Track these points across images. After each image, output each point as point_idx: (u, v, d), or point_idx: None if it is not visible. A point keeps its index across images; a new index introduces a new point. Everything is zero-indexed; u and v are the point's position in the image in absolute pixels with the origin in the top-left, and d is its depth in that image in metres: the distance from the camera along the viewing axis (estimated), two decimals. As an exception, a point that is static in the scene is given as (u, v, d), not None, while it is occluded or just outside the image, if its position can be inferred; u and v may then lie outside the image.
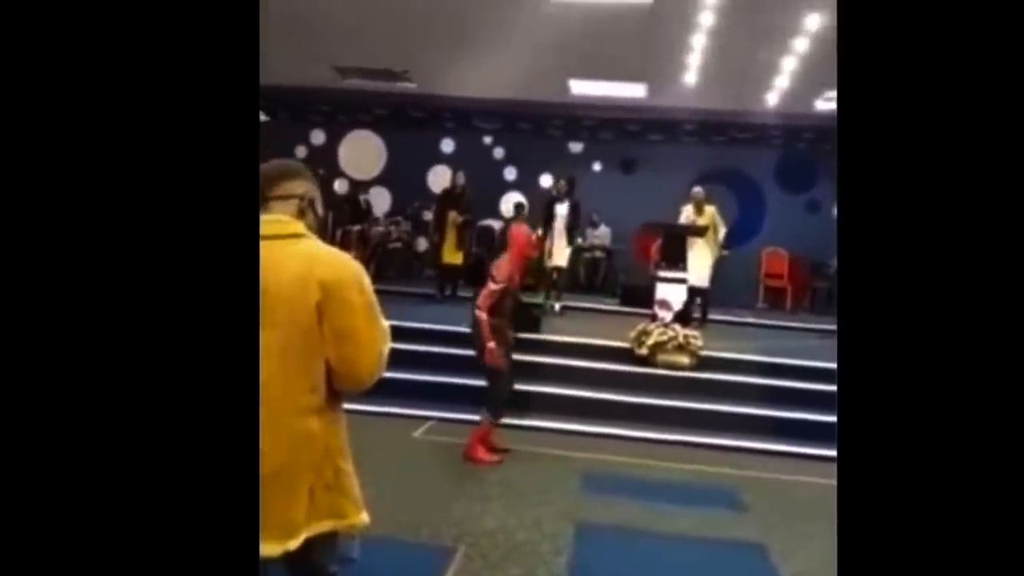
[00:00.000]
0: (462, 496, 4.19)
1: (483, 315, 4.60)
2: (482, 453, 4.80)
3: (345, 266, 1.86)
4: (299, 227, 1.88)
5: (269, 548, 1.77)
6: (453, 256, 9.19)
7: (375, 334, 1.88)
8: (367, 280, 1.89)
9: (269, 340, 1.76)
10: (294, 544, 1.80)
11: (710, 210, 8.41)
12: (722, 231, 8.45)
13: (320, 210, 1.99)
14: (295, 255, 1.83)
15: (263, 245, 1.79)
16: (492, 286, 4.61)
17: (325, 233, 2.03)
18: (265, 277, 1.77)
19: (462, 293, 8.99)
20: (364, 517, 1.95)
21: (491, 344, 4.61)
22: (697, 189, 8.55)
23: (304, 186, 1.94)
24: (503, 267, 4.67)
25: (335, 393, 1.90)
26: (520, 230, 4.96)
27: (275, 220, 1.87)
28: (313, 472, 1.84)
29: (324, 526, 1.87)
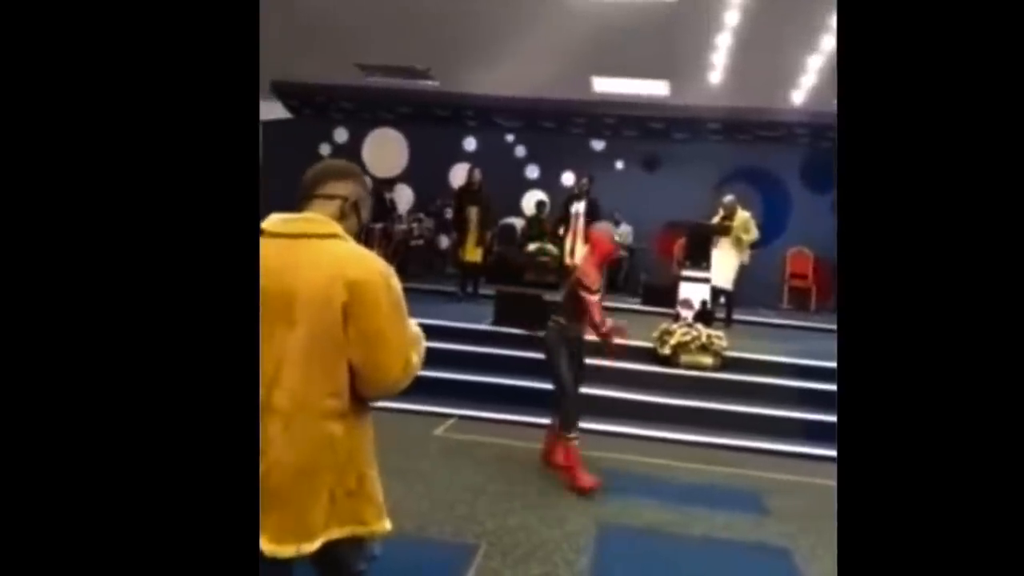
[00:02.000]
0: (484, 494, 4.18)
1: (606, 324, 4.39)
2: (586, 479, 4.35)
3: (374, 267, 1.83)
4: (332, 227, 1.85)
5: (282, 549, 1.75)
6: (473, 254, 9.18)
7: (402, 338, 1.84)
8: (396, 283, 1.85)
9: (293, 340, 1.76)
10: (308, 547, 1.78)
11: (743, 215, 8.32)
12: (750, 236, 8.34)
13: (365, 214, 1.98)
14: (324, 255, 1.80)
15: (293, 243, 1.81)
16: (592, 298, 4.29)
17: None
18: (292, 276, 1.77)
19: (483, 291, 8.99)
20: (386, 524, 1.92)
21: (614, 336, 4.47)
22: (729, 198, 8.45)
23: (348, 188, 1.92)
24: (592, 274, 4.34)
25: (361, 398, 1.86)
26: (601, 231, 4.61)
27: (308, 219, 1.86)
28: (334, 477, 1.81)
29: (344, 532, 1.85)
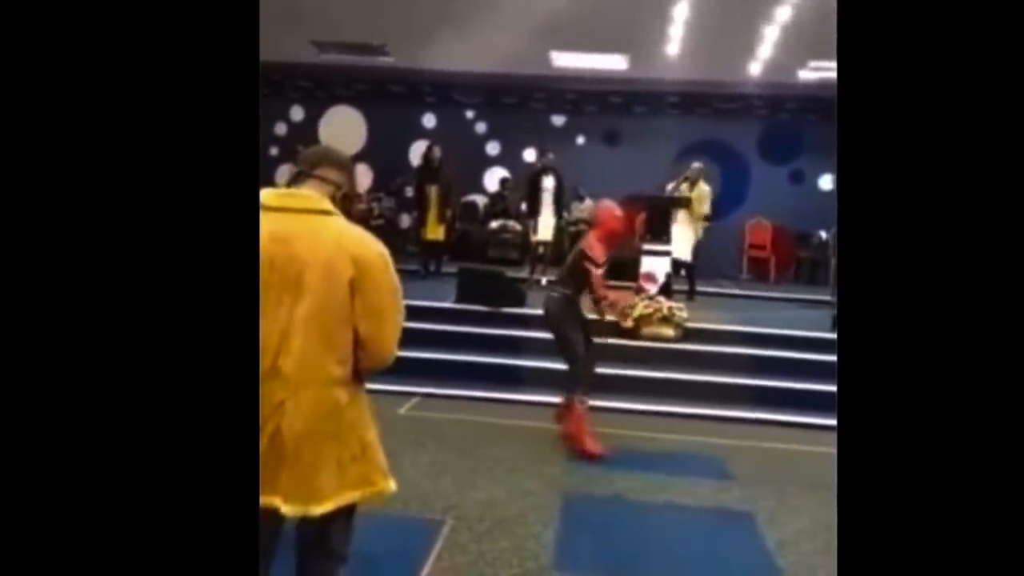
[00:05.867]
0: (450, 470, 4.18)
1: (609, 296, 4.55)
2: (592, 444, 4.52)
3: (375, 246, 1.94)
4: (328, 204, 1.96)
5: (290, 508, 1.86)
6: (435, 232, 9.10)
7: (399, 316, 1.97)
8: (392, 264, 1.97)
9: (302, 309, 1.85)
10: (317, 509, 1.87)
11: (704, 189, 8.37)
12: (702, 209, 8.41)
13: (350, 207, 2.08)
14: (327, 231, 1.89)
15: (295, 217, 1.90)
16: (596, 271, 4.44)
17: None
18: (299, 247, 1.86)
19: (446, 269, 8.94)
20: (391, 484, 2.03)
21: (612, 295, 4.63)
22: (697, 165, 8.49)
23: (341, 177, 2.03)
24: (596, 248, 4.49)
25: (358, 369, 1.96)
26: (608, 208, 4.70)
27: (307, 195, 1.96)
28: (338, 443, 1.90)
29: (354, 495, 1.95)
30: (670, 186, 8.45)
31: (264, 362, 1.81)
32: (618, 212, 4.68)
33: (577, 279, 4.56)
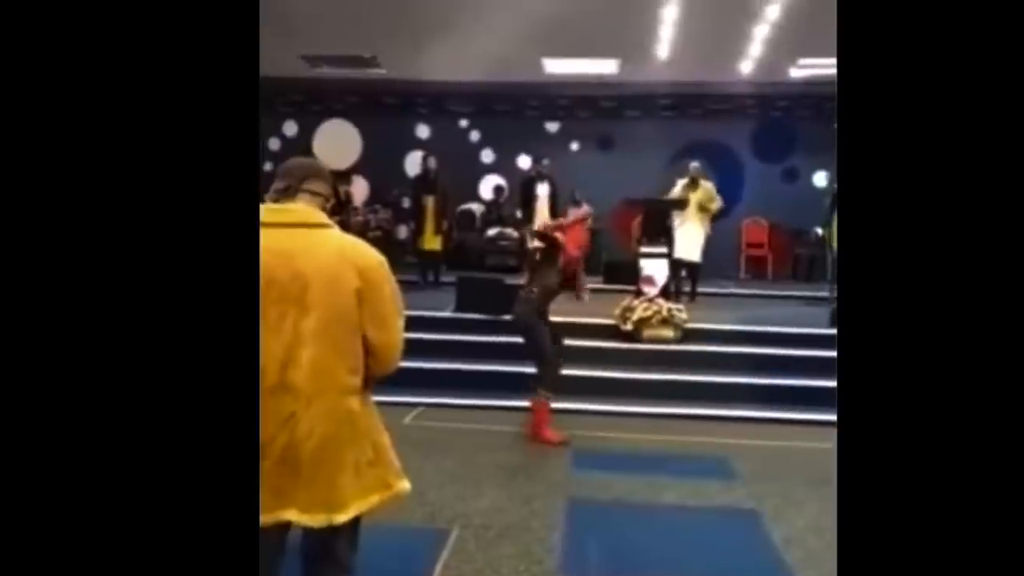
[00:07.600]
0: (455, 479, 4.18)
1: (574, 256, 4.95)
2: (551, 433, 4.86)
3: (376, 255, 2.01)
4: (325, 218, 2.01)
5: (313, 519, 1.88)
6: (432, 242, 9.12)
7: (401, 320, 2.04)
8: (389, 269, 2.03)
9: (309, 322, 1.88)
10: (341, 517, 1.90)
11: (707, 186, 8.39)
12: (715, 205, 8.44)
13: (348, 219, 2.16)
14: (328, 244, 1.94)
15: (294, 232, 1.94)
16: (561, 237, 4.84)
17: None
18: (302, 262, 1.90)
19: (445, 278, 8.96)
20: (406, 484, 2.09)
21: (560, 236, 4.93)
22: (694, 164, 8.52)
23: (327, 188, 2.10)
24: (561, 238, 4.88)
25: (367, 375, 2.01)
26: (576, 227, 5.25)
27: (303, 210, 2.00)
28: (355, 450, 1.94)
29: (372, 501, 1.99)
30: (676, 188, 8.44)
31: (271, 376, 1.84)
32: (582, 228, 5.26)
33: (549, 262, 4.84)
